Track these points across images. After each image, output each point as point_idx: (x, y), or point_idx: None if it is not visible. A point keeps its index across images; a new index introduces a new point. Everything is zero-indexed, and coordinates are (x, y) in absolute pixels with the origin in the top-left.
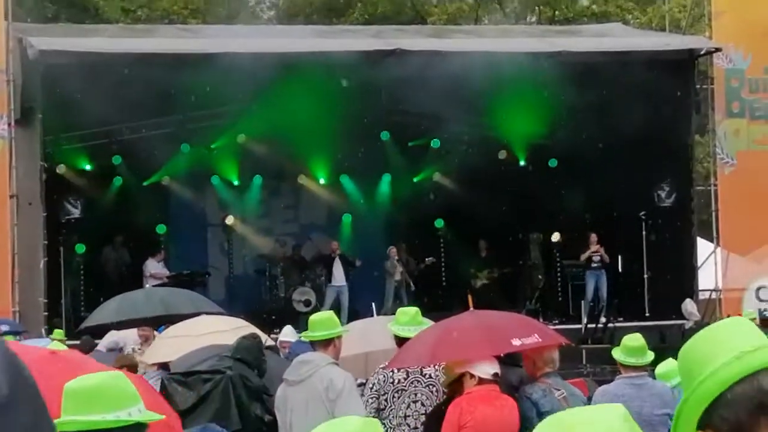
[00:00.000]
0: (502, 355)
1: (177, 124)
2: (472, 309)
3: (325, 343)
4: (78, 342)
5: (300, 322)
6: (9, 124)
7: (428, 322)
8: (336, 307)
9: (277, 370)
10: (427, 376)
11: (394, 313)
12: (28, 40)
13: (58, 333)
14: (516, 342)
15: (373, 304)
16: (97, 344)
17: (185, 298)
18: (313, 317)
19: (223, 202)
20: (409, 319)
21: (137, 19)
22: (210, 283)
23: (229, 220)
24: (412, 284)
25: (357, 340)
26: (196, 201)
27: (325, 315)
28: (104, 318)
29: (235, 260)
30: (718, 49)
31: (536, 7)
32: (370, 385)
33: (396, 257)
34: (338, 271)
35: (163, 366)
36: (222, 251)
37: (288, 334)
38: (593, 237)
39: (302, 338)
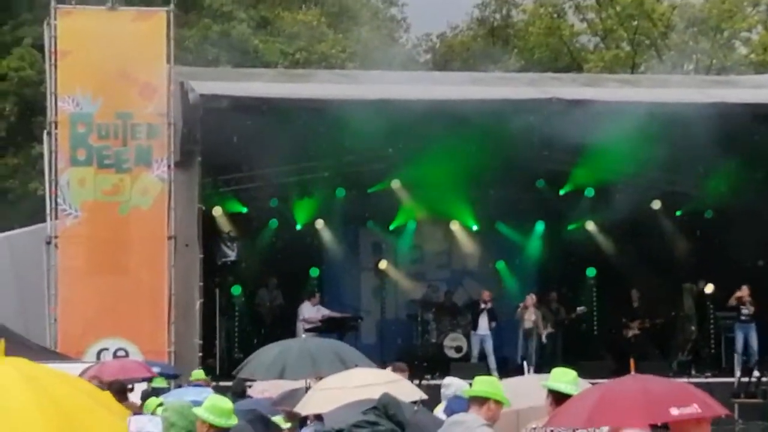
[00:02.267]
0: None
1: (334, 168)
2: (633, 373)
3: (480, 402)
4: (230, 383)
5: (450, 369)
6: (169, 167)
7: (586, 384)
8: (482, 356)
9: (431, 428)
10: None
11: (523, 360)
12: (189, 84)
13: (197, 374)
14: (674, 411)
15: (525, 361)
16: (248, 386)
17: (333, 355)
18: (480, 377)
19: (377, 247)
20: (571, 379)
21: (295, 62)
22: (362, 328)
23: (383, 264)
24: (543, 335)
25: (509, 396)
26: (349, 245)
27: (491, 378)
28: (256, 373)
29: (387, 305)
30: None
31: (693, 56)
32: None
33: (533, 305)
34: (483, 319)
35: (318, 417)
36: (374, 295)
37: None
38: (744, 289)
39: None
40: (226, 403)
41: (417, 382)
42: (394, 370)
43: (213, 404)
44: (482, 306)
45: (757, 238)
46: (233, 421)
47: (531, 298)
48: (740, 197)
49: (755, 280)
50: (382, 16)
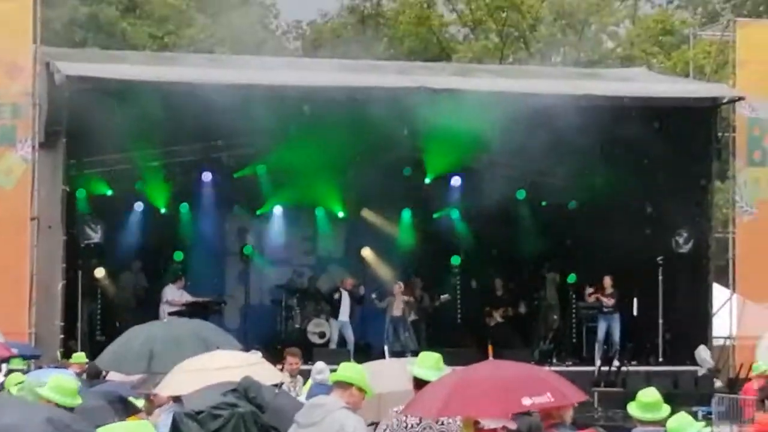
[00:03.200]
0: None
1: (200, 152)
2: (491, 358)
3: (344, 387)
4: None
5: (313, 354)
6: (33, 147)
7: (448, 369)
8: (342, 342)
9: (292, 411)
10: (440, 422)
11: (394, 349)
12: (56, 64)
13: (78, 357)
14: (527, 401)
15: (386, 346)
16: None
17: (195, 337)
18: (346, 364)
19: (243, 232)
20: (433, 364)
21: (164, 46)
22: (226, 312)
23: (248, 249)
24: (408, 321)
25: (371, 380)
26: (215, 229)
27: (357, 365)
28: (122, 366)
29: (252, 290)
30: (741, 98)
31: (561, 48)
32: (383, 428)
33: (401, 293)
34: (345, 306)
35: (176, 399)
36: (239, 280)
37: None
38: (607, 280)
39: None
40: (70, 382)
41: (280, 366)
42: (288, 354)
43: (57, 384)
44: (343, 293)
45: (620, 229)
46: (78, 400)
47: (399, 286)
48: (604, 189)
49: (617, 271)
50: (252, 1)
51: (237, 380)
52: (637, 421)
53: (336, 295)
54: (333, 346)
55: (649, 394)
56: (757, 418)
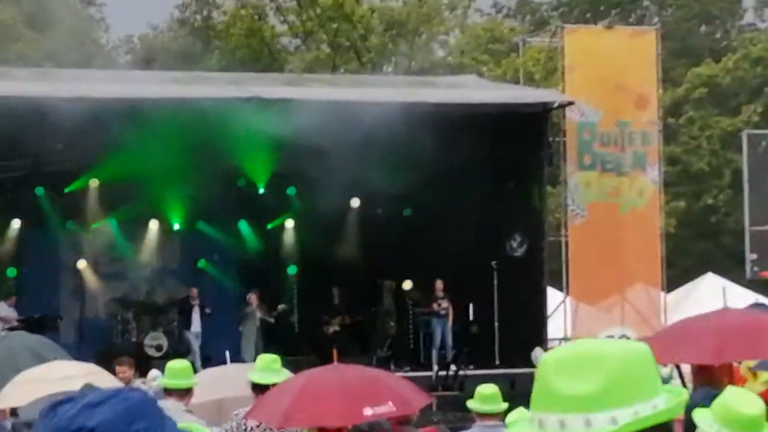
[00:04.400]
0: None
1: (30, 167)
2: (336, 363)
3: (182, 393)
4: None
5: (151, 367)
6: None
7: (286, 372)
8: (187, 353)
9: None
10: None
11: (251, 361)
12: None
13: None
14: (368, 412)
15: (227, 351)
16: None
17: (31, 353)
18: (171, 365)
19: (77, 246)
20: (267, 365)
21: None
22: (61, 328)
23: (81, 264)
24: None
25: (210, 386)
26: (49, 245)
27: (184, 364)
28: None
29: (87, 304)
30: (570, 103)
31: (392, 58)
32: (224, 431)
33: (255, 304)
34: (197, 317)
35: (13, 412)
36: (74, 295)
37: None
38: (439, 284)
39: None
40: None
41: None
42: (117, 364)
43: None
44: (192, 303)
45: (455, 235)
46: None
47: (253, 296)
48: (439, 196)
49: (453, 277)
50: (80, 15)
51: (76, 389)
52: (476, 416)
53: (186, 307)
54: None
55: (488, 388)
56: None
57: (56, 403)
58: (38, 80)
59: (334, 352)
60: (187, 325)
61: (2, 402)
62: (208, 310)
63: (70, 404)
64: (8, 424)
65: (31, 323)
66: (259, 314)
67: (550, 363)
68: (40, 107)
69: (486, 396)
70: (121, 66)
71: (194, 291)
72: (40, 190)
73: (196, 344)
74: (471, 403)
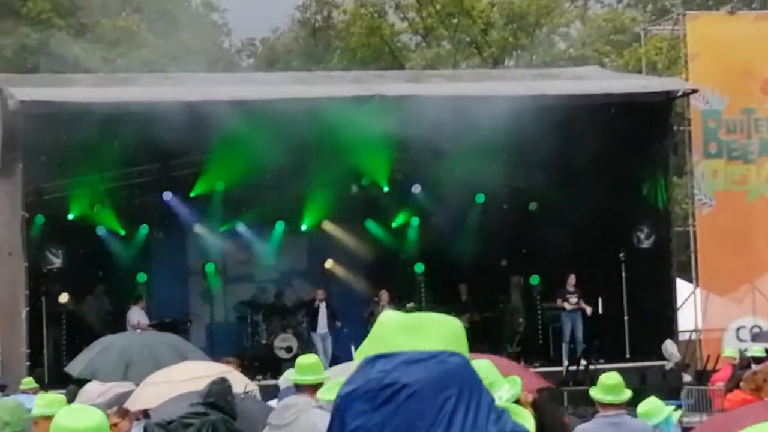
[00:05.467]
0: None
1: (158, 172)
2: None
3: (312, 388)
4: (61, 392)
5: (282, 369)
6: None
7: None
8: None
9: (260, 414)
10: None
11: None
12: (8, 90)
13: (28, 382)
14: None
15: (353, 347)
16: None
17: (169, 348)
18: (300, 361)
19: (205, 250)
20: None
21: (117, 69)
22: (192, 331)
23: (210, 267)
24: None
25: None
26: (176, 249)
27: (312, 359)
28: (98, 373)
29: (216, 308)
30: (695, 91)
31: (513, 52)
32: None
33: (385, 302)
34: (322, 318)
35: (145, 413)
36: (203, 299)
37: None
38: (571, 279)
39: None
40: (60, 398)
41: (247, 381)
42: (226, 362)
43: (49, 401)
44: (317, 305)
45: (581, 228)
46: None
47: (384, 295)
48: (564, 189)
49: (580, 270)
50: (203, 21)
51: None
52: (599, 405)
53: (312, 308)
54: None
55: (611, 377)
56: (728, 397)
57: (376, 357)
58: (162, 85)
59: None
60: (314, 326)
61: (134, 404)
62: (338, 324)
63: (387, 359)
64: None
65: (162, 327)
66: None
67: (392, 323)
68: (165, 112)
69: (608, 386)
70: (244, 69)
71: (320, 292)
72: (167, 195)
73: (321, 345)
74: (593, 392)
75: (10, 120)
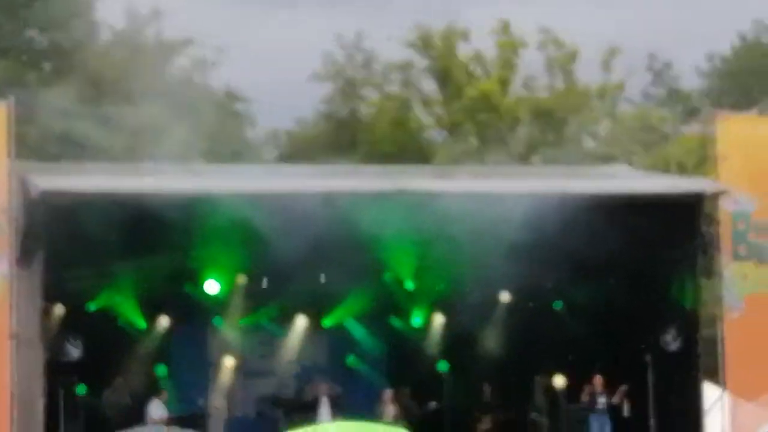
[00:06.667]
0: None
1: (179, 263)
2: None
3: None
4: None
5: None
6: (10, 263)
7: None
8: None
9: None
10: None
11: None
12: (30, 179)
13: None
14: None
15: None
16: None
17: None
18: None
19: (225, 343)
20: None
21: (139, 159)
22: (210, 426)
23: (229, 361)
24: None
25: None
26: (196, 341)
27: None
28: None
29: (235, 402)
30: (725, 191)
31: (541, 149)
32: None
33: (388, 402)
34: (325, 412)
35: None
36: (223, 392)
37: None
38: (598, 379)
39: None
40: None
41: None
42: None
43: None
44: (322, 398)
45: (607, 329)
46: None
47: (387, 394)
48: (590, 288)
49: (606, 371)
50: (227, 111)
51: None
52: None
53: (313, 401)
54: None
55: None
56: None
57: None
58: (187, 176)
59: None
60: (314, 420)
61: None
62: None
63: None
64: None
65: (181, 422)
66: (393, 412)
67: None
68: (188, 204)
69: None
70: (268, 160)
71: (323, 386)
72: (188, 286)
73: None
74: None
75: (31, 209)
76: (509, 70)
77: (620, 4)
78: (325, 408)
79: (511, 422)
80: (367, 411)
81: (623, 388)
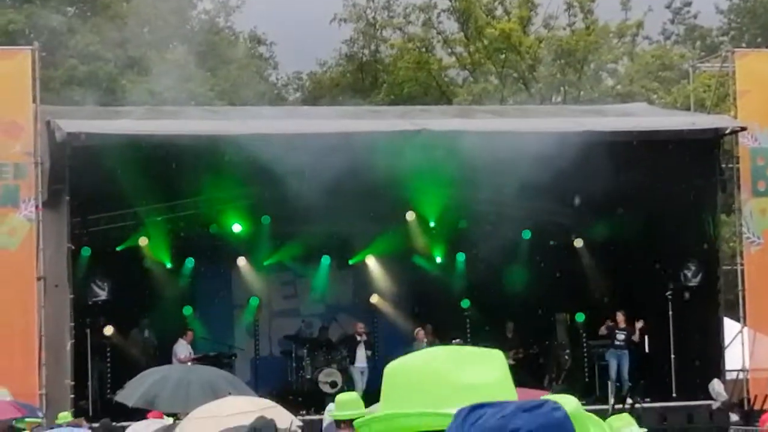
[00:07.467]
0: None
1: (204, 205)
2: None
3: (351, 424)
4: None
5: (326, 403)
6: (36, 207)
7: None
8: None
9: None
10: None
11: None
12: (56, 122)
13: (64, 416)
14: None
15: None
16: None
17: (225, 381)
18: (340, 397)
19: (250, 284)
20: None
21: (163, 102)
22: (236, 365)
23: (255, 301)
24: None
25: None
26: (222, 282)
27: (352, 395)
28: (129, 399)
29: (261, 342)
30: (743, 128)
31: (561, 88)
32: None
33: (424, 339)
34: (361, 352)
35: None
36: (248, 332)
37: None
38: (620, 316)
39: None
40: None
41: (291, 418)
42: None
43: None
44: (358, 339)
45: (627, 265)
46: None
47: (420, 331)
48: (609, 225)
49: (626, 307)
50: (250, 54)
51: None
52: None
53: (352, 342)
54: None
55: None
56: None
57: (476, 406)
58: (209, 118)
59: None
60: (353, 360)
61: None
62: (369, 352)
63: (497, 408)
64: None
65: (207, 361)
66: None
67: (441, 358)
68: (211, 145)
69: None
70: (291, 102)
71: (359, 326)
72: (214, 228)
73: (360, 380)
74: None
75: (57, 152)
76: (529, 10)
77: None
78: (361, 348)
79: (533, 358)
80: (393, 348)
81: (639, 324)
